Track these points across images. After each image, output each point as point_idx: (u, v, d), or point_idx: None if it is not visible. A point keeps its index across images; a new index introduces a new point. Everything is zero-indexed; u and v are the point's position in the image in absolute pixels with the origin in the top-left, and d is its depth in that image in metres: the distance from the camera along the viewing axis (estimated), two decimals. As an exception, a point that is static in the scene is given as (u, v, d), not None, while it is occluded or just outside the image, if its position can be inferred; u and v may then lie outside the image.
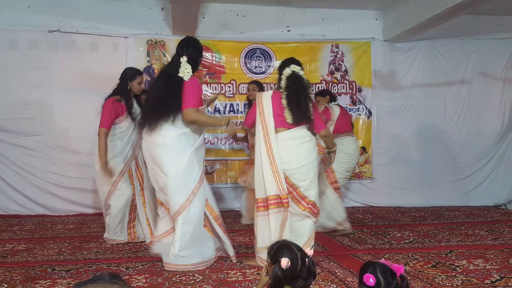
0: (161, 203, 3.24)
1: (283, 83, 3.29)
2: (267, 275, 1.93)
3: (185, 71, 3.11)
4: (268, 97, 3.28)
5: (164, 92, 3.11)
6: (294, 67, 3.31)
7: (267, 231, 3.15)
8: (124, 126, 3.88)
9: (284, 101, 3.22)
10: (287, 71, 3.29)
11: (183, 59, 3.14)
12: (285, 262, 1.78)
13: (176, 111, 3.07)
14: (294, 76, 3.29)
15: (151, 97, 3.30)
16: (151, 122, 3.11)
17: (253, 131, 3.46)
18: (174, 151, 3.07)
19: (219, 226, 3.27)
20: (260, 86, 4.76)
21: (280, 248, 1.90)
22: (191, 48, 3.22)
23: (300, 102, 3.21)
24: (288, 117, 3.19)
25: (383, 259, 1.63)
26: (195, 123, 3.14)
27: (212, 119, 3.88)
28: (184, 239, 3.07)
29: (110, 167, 3.78)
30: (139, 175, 3.99)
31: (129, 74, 3.91)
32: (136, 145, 3.96)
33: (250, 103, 4.69)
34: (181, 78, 3.09)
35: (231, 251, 3.31)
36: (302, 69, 3.36)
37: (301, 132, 3.24)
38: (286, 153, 3.18)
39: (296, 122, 3.20)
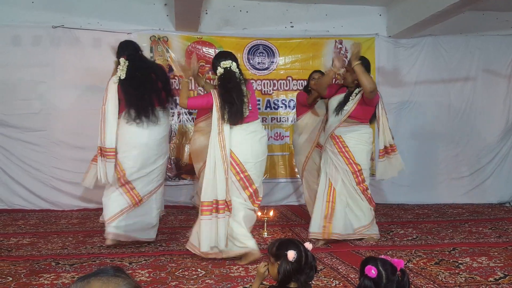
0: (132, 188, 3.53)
1: (216, 82, 3.24)
2: (265, 269, 1.94)
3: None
4: None
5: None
6: (225, 63, 3.20)
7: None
8: None
9: (218, 101, 3.15)
10: (219, 71, 3.21)
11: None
12: (292, 254, 1.81)
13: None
14: (225, 73, 3.19)
15: (145, 90, 3.51)
16: (154, 115, 3.51)
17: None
18: (166, 140, 3.72)
19: None
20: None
21: (282, 244, 1.91)
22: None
23: (232, 103, 3.13)
24: (225, 117, 3.15)
25: (383, 255, 1.63)
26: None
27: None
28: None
29: None
30: None
31: None
32: None
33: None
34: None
35: None
36: (233, 61, 3.23)
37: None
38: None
39: (232, 123, 3.16)
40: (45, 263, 3.15)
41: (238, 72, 3.23)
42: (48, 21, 5.24)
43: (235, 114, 3.15)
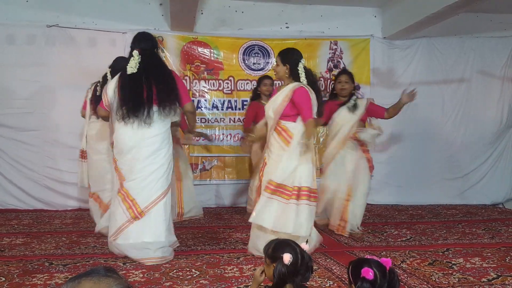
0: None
1: (303, 78, 3.25)
2: (262, 274, 1.92)
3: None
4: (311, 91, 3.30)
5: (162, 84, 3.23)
6: (304, 62, 3.34)
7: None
8: None
9: (313, 97, 3.25)
10: (301, 66, 3.28)
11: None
12: (287, 257, 1.78)
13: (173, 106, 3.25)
14: (308, 71, 3.31)
15: (138, 88, 3.18)
16: (145, 115, 3.14)
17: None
18: (163, 143, 3.21)
19: None
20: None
21: (278, 245, 1.89)
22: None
23: (322, 100, 3.37)
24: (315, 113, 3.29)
25: (368, 255, 1.63)
26: (192, 116, 3.48)
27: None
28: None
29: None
30: None
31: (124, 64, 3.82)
32: None
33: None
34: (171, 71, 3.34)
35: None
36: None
37: None
38: None
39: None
40: (39, 263, 3.13)
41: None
42: (43, 20, 5.21)
43: (321, 111, 3.37)
